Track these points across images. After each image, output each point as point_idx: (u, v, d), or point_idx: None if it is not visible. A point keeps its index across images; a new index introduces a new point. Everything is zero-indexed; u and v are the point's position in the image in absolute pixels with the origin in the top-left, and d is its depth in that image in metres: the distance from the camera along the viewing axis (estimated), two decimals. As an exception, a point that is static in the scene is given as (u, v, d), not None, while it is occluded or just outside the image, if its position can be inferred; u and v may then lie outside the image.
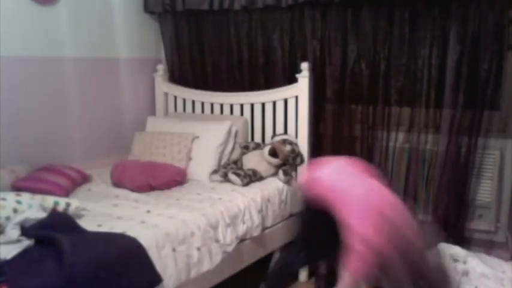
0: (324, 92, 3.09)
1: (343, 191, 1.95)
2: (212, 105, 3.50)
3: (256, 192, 2.78)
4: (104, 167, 3.16)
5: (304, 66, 3.04)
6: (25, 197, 2.12)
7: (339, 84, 3.04)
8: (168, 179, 2.85)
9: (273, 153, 2.97)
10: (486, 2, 2.58)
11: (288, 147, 3.00)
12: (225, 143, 3.16)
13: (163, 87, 3.69)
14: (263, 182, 2.95)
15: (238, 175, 2.86)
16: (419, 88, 2.82)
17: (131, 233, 2.08)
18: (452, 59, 2.69)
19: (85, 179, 2.93)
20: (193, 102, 3.60)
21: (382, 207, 1.86)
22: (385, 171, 2.98)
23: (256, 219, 2.69)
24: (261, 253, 2.84)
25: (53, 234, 1.91)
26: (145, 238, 2.07)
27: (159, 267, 2.06)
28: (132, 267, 1.95)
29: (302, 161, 3.10)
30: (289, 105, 3.14)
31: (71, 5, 3.09)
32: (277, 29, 3.22)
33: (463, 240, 2.78)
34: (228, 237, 2.48)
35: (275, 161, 2.98)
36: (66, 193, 2.63)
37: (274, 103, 3.20)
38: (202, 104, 3.54)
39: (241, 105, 3.37)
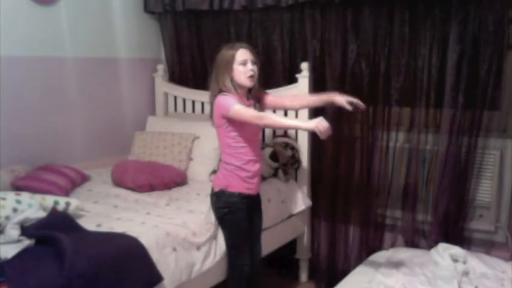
0: (324, 92, 3.08)
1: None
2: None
3: (256, 192, 2.78)
4: (103, 167, 3.17)
5: (304, 66, 3.04)
6: (25, 196, 2.11)
7: (339, 84, 3.04)
8: (168, 179, 2.86)
9: (274, 156, 2.97)
10: (486, 2, 2.58)
11: (289, 152, 3.01)
12: (225, 143, 3.15)
13: (163, 87, 3.69)
14: (263, 182, 2.94)
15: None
16: (419, 88, 2.82)
17: (132, 233, 2.08)
18: (452, 59, 2.69)
19: (84, 178, 2.93)
20: (193, 102, 3.60)
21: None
22: (385, 171, 2.98)
23: (256, 219, 2.68)
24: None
25: (53, 234, 1.91)
26: (146, 238, 2.07)
27: (160, 267, 2.06)
28: (132, 266, 1.95)
29: (299, 167, 3.10)
30: (289, 105, 3.14)
31: (71, 5, 3.10)
32: (277, 29, 3.22)
33: (463, 240, 2.78)
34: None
35: (275, 165, 2.98)
36: (65, 193, 2.63)
37: (274, 103, 3.20)
38: (202, 104, 3.54)
39: (241, 105, 3.36)
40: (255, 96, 2.43)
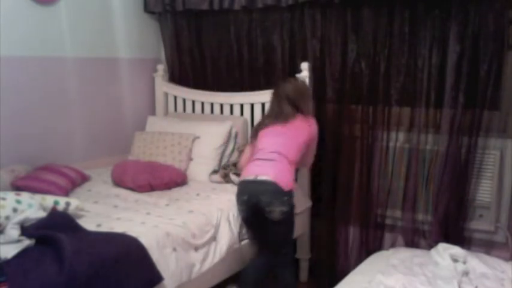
0: (324, 92, 3.09)
1: None
2: (212, 105, 3.50)
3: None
4: (103, 167, 3.17)
5: (304, 66, 3.04)
6: (25, 196, 2.11)
7: (339, 84, 3.04)
8: (168, 180, 2.86)
9: None
10: (486, 2, 2.58)
11: None
12: (226, 143, 3.15)
13: (163, 87, 3.69)
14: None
15: (238, 175, 2.86)
16: (419, 88, 2.82)
17: (132, 233, 2.08)
18: (452, 59, 2.69)
19: (84, 179, 2.93)
20: (193, 102, 3.60)
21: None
22: (385, 171, 2.98)
23: (256, 219, 2.68)
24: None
25: (53, 234, 1.91)
26: (146, 238, 2.07)
27: (160, 267, 2.06)
28: (132, 266, 1.95)
29: (298, 167, 3.10)
30: (289, 105, 3.13)
31: (70, 5, 3.10)
32: (277, 29, 3.22)
33: (463, 240, 2.78)
34: (228, 236, 2.48)
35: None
36: (65, 193, 2.63)
37: (274, 103, 3.20)
38: (202, 104, 3.54)
39: (241, 105, 3.36)
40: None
